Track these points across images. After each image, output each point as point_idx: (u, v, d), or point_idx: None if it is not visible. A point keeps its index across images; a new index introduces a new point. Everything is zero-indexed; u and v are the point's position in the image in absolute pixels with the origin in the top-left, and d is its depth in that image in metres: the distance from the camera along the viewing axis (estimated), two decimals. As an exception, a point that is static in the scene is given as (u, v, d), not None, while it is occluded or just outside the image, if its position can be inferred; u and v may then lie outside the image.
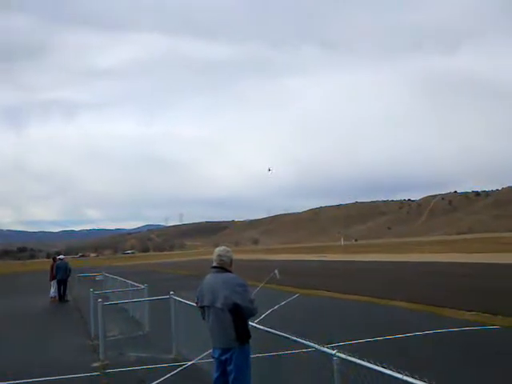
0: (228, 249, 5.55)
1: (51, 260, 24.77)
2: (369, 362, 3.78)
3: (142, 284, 13.48)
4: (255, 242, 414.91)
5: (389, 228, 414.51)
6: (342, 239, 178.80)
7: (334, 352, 4.15)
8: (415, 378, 3.30)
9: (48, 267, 24.74)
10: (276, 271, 6.98)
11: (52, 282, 22.47)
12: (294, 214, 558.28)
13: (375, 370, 3.68)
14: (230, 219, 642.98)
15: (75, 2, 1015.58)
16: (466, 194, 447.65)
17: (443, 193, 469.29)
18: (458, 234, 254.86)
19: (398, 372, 3.45)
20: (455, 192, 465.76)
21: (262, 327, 5.61)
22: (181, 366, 8.22)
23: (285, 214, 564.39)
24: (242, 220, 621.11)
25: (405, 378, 3.35)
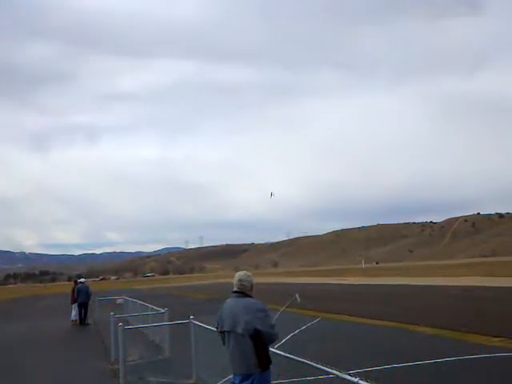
0: (249, 273, 5.51)
1: (72, 283, 24.96)
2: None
3: (162, 308, 13.47)
4: (275, 264, 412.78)
5: (410, 251, 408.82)
6: (363, 262, 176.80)
7: (356, 380, 4.07)
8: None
9: (69, 290, 24.93)
10: (297, 295, 6.92)
11: (73, 305, 22.60)
12: (314, 236, 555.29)
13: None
14: (250, 242, 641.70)
15: (99, 28, 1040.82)
16: (489, 215, 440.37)
17: (466, 215, 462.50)
18: (482, 256, 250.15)
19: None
20: (478, 214, 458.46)
21: (282, 353, 5.54)
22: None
23: (305, 237, 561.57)
24: (262, 243, 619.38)
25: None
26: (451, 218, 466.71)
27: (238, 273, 5.55)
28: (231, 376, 5.49)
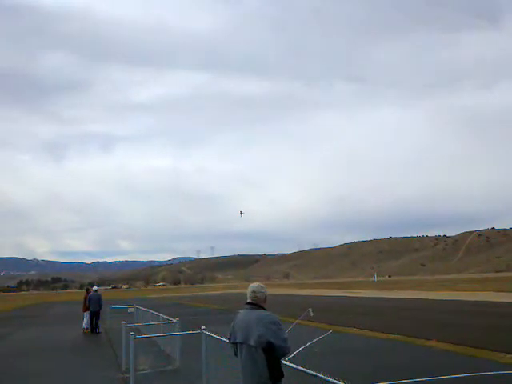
0: (262, 285, 5.51)
1: (85, 291, 25.08)
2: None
3: (173, 317, 13.49)
4: (286, 276, 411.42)
5: (423, 265, 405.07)
6: (376, 275, 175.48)
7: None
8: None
9: (81, 298, 25.06)
10: (310, 310, 6.93)
11: (85, 314, 22.71)
12: (325, 248, 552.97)
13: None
14: (262, 253, 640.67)
15: (115, 39, 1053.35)
16: (504, 230, 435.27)
17: (480, 229, 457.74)
18: (496, 271, 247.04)
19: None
20: (493, 228, 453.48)
21: (294, 366, 5.52)
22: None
23: (316, 249, 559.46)
24: (273, 254, 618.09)
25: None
26: (465, 232, 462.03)
27: (251, 284, 5.55)
28: (242, 388, 5.49)
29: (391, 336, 16.45)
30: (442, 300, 37.16)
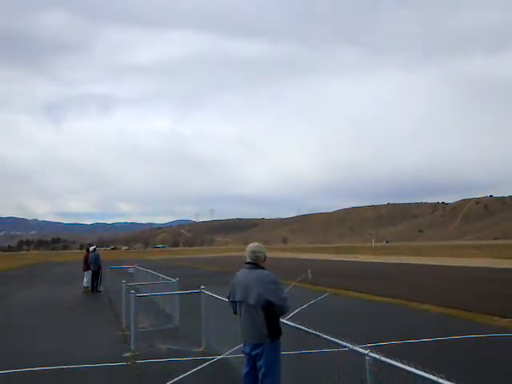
0: (261, 245, 5.55)
1: (84, 251, 25.30)
2: (402, 363, 3.73)
3: (173, 278, 13.62)
4: (284, 240, 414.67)
5: (420, 231, 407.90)
6: (373, 241, 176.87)
7: (366, 352, 4.11)
8: (450, 381, 3.22)
9: (81, 258, 25.29)
10: (308, 272, 7.01)
11: (85, 273, 22.96)
12: (324, 213, 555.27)
13: (408, 372, 3.62)
14: (261, 217, 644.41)
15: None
16: (502, 198, 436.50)
17: (479, 196, 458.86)
18: (493, 239, 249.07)
19: (433, 374, 3.38)
20: (491, 196, 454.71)
21: (293, 324, 5.60)
22: (210, 359, 8.29)
23: (315, 214, 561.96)
24: (272, 218, 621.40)
25: (440, 380, 3.28)
26: (463, 200, 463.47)
27: (250, 244, 5.59)
28: (241, 345, 5.59)
29: (388, 299, 16.67)
30: (438, 266, 37.52)
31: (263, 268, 5.37)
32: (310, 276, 7.12)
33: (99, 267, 22.52)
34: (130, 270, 26.28)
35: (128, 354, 9.22)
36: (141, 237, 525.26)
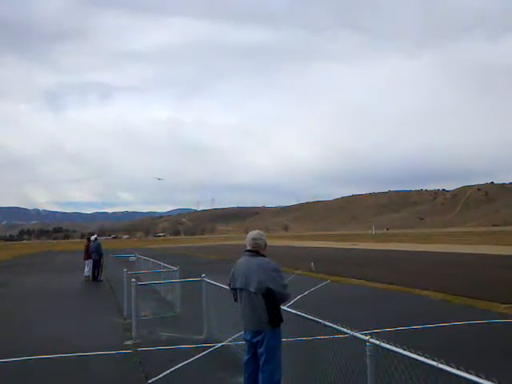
0: (262, 232, 5.54)
1: (86, 240, 25.35)
2: (403, 348, 3.73)
3: (174, 266, 13.66)
4: (285, 228, 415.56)
5: (421, 218, 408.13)
6: (374, 228, 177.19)
7: (367, 338, 4.11)
8: (451, 366, 3.22)
9: (82, 247, 25.34)
10: (312, 263, 7.03)
11: (86, 262, 23.01)
12: (324, 201, 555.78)
13: (409, 357, 3.62)
14: (261, 205, 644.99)
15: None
16: (503, 184, 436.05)
17: (479, 183, 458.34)
18: (494, 225, 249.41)
19: (433, 359, 3.38)
20: (492, 183, 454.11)
21: (294, 311, 5.60)
22: (211, 346, 8.33)
23: (316, 202, 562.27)
24: (272, 206, 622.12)
25: (440, 365, 3.28)
26: (464, 186, 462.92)
27: (250, 232, 5.58)
28: (242, 333, 5.60)
29: (389, 286, 16.70)
30: (438, 252, 37.60)
31: (264, 255, 5.37)
32: (313, 268, 7.15)
33: (100, 256, 22.57)
34: (132, 259, 26.36)
35: (129, 342, 9.26)
36: (142, 226, 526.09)
